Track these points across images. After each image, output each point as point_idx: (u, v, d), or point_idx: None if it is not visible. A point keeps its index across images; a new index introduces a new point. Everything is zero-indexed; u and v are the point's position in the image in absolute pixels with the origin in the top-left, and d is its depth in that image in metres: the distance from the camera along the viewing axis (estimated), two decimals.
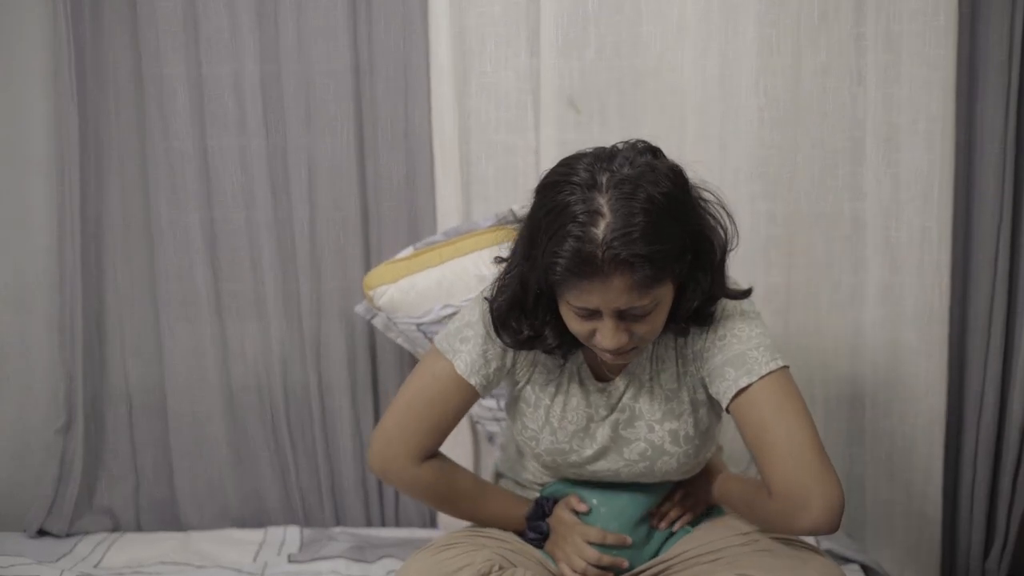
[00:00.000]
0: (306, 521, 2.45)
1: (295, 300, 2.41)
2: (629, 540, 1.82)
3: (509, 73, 2.32)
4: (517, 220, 1.97)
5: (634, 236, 1.51)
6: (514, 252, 1.70)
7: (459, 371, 1.76)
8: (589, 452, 1.79)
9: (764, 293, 2.27)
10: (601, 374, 1.80)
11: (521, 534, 1.88)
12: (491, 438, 2.35)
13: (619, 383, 1.78)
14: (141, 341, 2.44)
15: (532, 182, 2.31)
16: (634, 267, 1.52)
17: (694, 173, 1.64)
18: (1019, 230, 2.30)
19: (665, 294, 1.60)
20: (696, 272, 1.63)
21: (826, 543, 2.16)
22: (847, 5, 2.25)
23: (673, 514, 1.87)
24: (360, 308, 2.32)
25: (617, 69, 2.28)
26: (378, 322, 2.29)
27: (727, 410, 1.69)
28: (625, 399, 1.78)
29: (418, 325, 2.19)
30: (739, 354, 1.68)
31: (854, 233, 2.31)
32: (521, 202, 2.27)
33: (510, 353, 1.77)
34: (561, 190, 1.57)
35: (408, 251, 2.26)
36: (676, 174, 1.60)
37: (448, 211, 2.34)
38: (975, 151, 2.30)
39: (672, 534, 1.85)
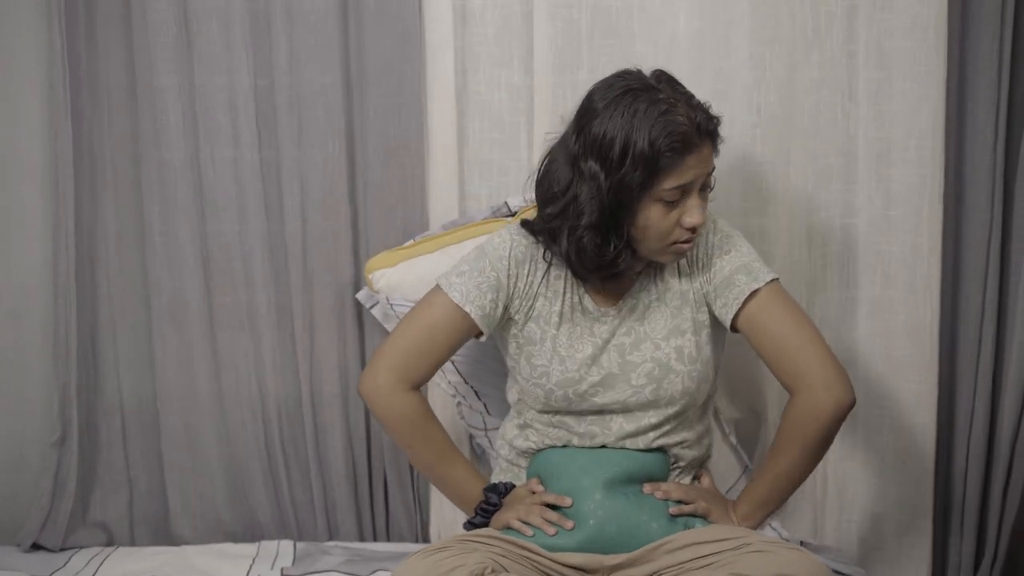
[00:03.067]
0: (299, 535, 2.45)
1: (287, 313, 2.41)
2: (568, 501, 1.88)
3: (502, 93, 2.33)
4: (511, 212, 2.17)
5: (705, 111, 1.80)
6: (570, 189, 1.82)
7: (455, 300, 1.91)
8: (597, 378, 1.90)
9: None
10: (604, 300, 1.94)
11: (472, 521, 1.96)
12: (481, 454, 2.37)
13: (623, 305, 1.93)
14: (134, 354, 2.43)
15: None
16: (712, 135, 1.80)
17: None
18: (1008, 245, 2.32)
19: None
20: None
21: (816, 557, 2.16)
22: (839, 22, 2.26)
23: (673, 494, 1.90)
24: (361, 295, 2.34)
25: None
26: (377, 311, 2.31)
27: (734, 325, 1.90)
28: (630, 322, 1.91)
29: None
30: (744, 264, 1.91)
31: (845, 249, 2.33)
32: (515, 196, 2.30)
33: (506, 285, 1.92)
34: (633, 98, 1.77)
35: (409, 242, 2.30)
36: None
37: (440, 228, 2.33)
38: (965, 167, 2.32)
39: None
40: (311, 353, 2.41)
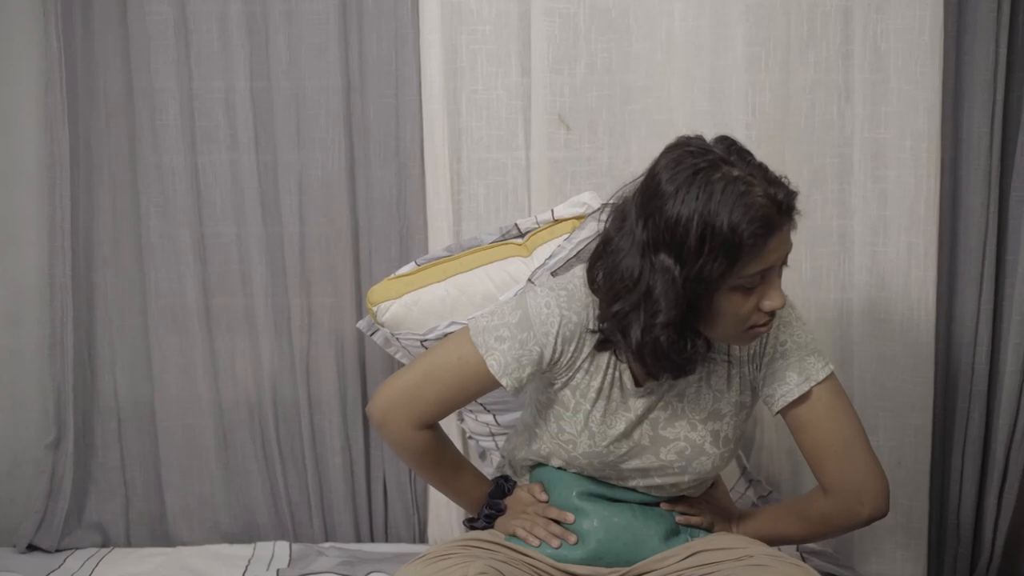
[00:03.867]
0: (295, 537, 2.45)
1: (285, 316, 2.41)
2: (571, 518, 1.85)
3: (500, 91, 2.33)
4: (521, 233, 2.07)
5: (784, 184, 1.65)
6: (638, 282, 1.66)
7: (491, 369, 1.77)
8: (625, 450, 1.82)
9: None
10: (643, 377, 1.80)
11: (474, 524, 1.93)
12: (483, 454, 2.36)
13: (664, 382, 1.79)
14: (131, 356, 2.44)
15: (522, 199, 2.36)
16: (791, 213, 1.65)
17: None
18: (1004, 246, 2.32)
19: None
20: None
21: (813, 560, 2.17)
22: (835, 23, 2.27)
23: (679, 506, 1.89)
24: (362, 324, 2.27)
25: (607, 86, 2.30)
26: (378, 338, 2.24)
27: (780, 414, 1.79)
28: (669, 397, 1.81)
29: (422, 341, 2.14)
30: (799, 360, 1.78)
31: (841, 249, 2.33)
32: (513, 217, 2.30)
33: (546, 357, 1.77)
34: (705, 178, 1.60)
35: (411, 266, 2.20)
36: None
37: (439, 228, 2.34)
38: (961, 168, 2.32)
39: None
40: (308, 355, 2.41)
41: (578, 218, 2.13)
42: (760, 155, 2.24)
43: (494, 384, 1.78)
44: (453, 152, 2.33)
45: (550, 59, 2.28)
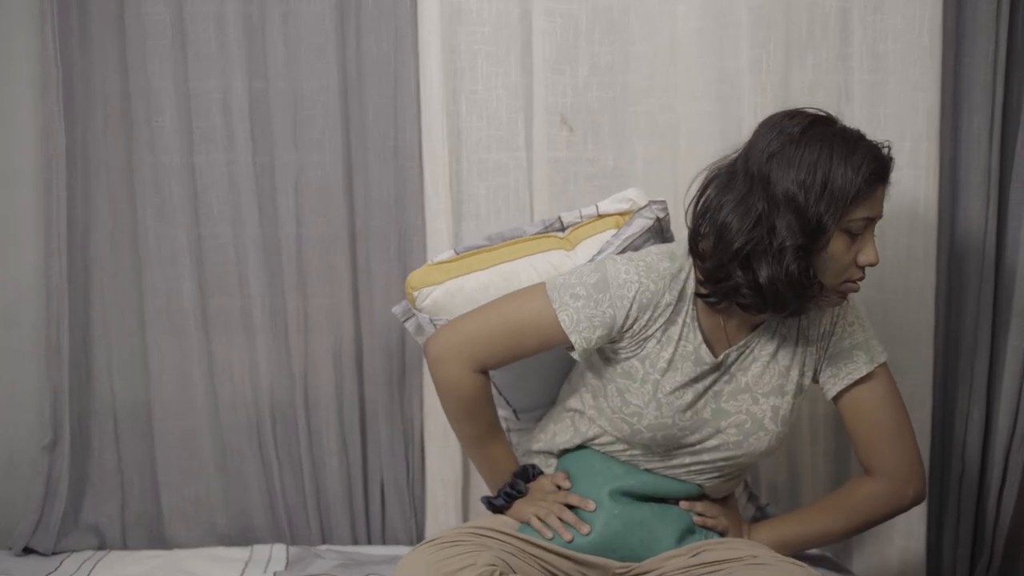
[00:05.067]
0: (292, 539, 2.44)
1: (282, 317, 2.40)
2: (592, 505, 1.87)
3: (500, 91, 2.32)
4: (563, 227, 2.10)
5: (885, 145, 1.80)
6: (759, 222, 1.75)
7: (563, 324, 1.83)
8: (689, 423, 1.87)
9: None
10: (717, 347, 1.88)
11: (492, 501, 1.96)
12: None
13: (735, 353, 1.88)
14: (127, 357, 2.43)
15: (523, 200, 2.35)
16: (889, 170, 1.80)
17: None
18: (1003, 248, 2.32)
19: None
20: None
21: (813, 562, 2.16)
22: (834, 25, 2.27)
23: (698, 506, 1.92)
24: (398, 309, 2.19)
25: (609, 87, 2.29)
26: (411, 324, 2.18)
27: (838, 395, 1.90)
28: (734, 369, 1.87)
29: None
30: (865, 341, 1.91)
31: None
32: (515, 218, 2.28)
33: (618, 324, 1.83)
34: (823, 125, 1.78)
35: (449, 253, 2.15)
36: None
37: (437, 229, 2.33)
38: (960, 169, 2.33)
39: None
40: (306, 357, 2.41)
41: (622, 214, 2.11)
42: None
43: (562, 339, 1.84)
44: (452, 152, 2.32)
45: (551, 59, 2.27)
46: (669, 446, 1.89)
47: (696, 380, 1.86)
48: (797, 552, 1.95)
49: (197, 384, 2.41)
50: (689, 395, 1.86)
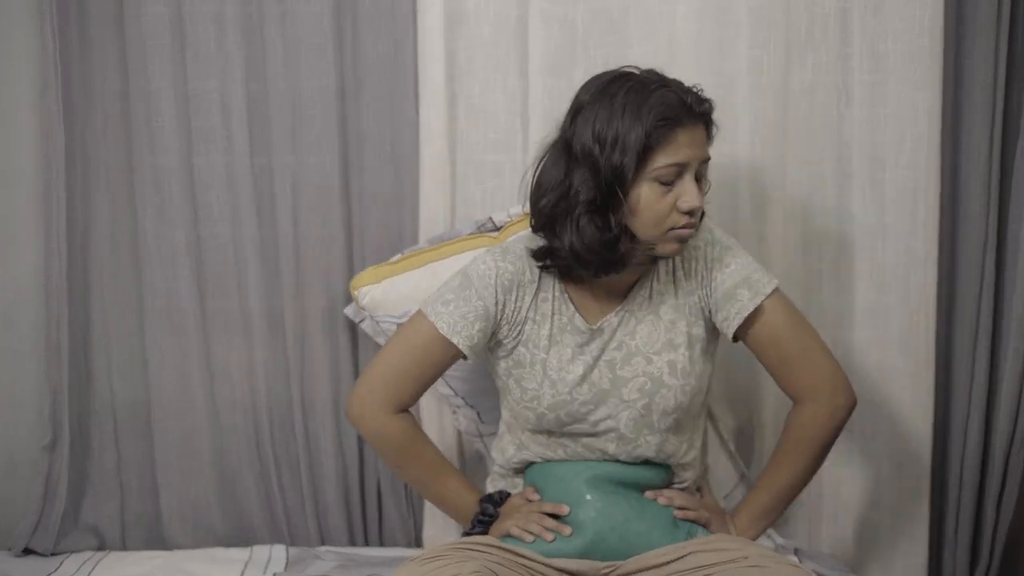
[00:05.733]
0: (291, 540, 2.43)
1: (279, 318, 2.40)
2: (566, 509, 1.88)
3: (498, 95, 2.31)
4: (496, 227, 2.17)
5: (697, 92, 1.79)
6: (565, 177, 1.81)
7: (442, 331, 1.89)
8: (589, 396, 1.88)
9: None
10: (593, 317, 1.90)
11: (468, 533, 1.96)
12: (480, 458, 2.36)
13: (614, 319, 1.90)
14: (127, 358, 2.42)
15: (520, 203, 2.33)
16: (707, 117, 1.79)
17: None
18: (1004, 250, 2.31)
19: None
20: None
21: (811, 564, 2.16)
22: (833, 25, 2.25)
23: (676, 500, 1.91)
24: (349, 310, 2.33)
25: None
26: (366, 326, 2.31)
27: (739, 333, 1.89)
28: (621, 336, 1.88)
29: (398, 324, 2.20)
30: (746, 277, 1.89)
31: (840, 254, 2.31)
32: (502, 212, 2.29)
33: (493, 313, 1.89)
34: (627, 77, 1.80)
35: (397, 256, 2.28)
36: None
37: (434, 231, 2.33)
38: (960, 171, 2.31)
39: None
40: (303, 358, 2.40)
41: None
42: (762, 159, 2.27)
43: (449, 348, 1.90)
44: (450, 155, 2.31)
45: (549, 64, 2.26)
46: (581, 429, 1.90)
47: (581, 350, 1.89)
48: (783, 512, 2.01)
49: (196, 385, 2.41)
50: (579, 367, 1.88)
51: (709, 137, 1.81)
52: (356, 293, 2.26)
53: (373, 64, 2.33)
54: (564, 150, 1.81)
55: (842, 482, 2.37)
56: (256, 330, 2.40)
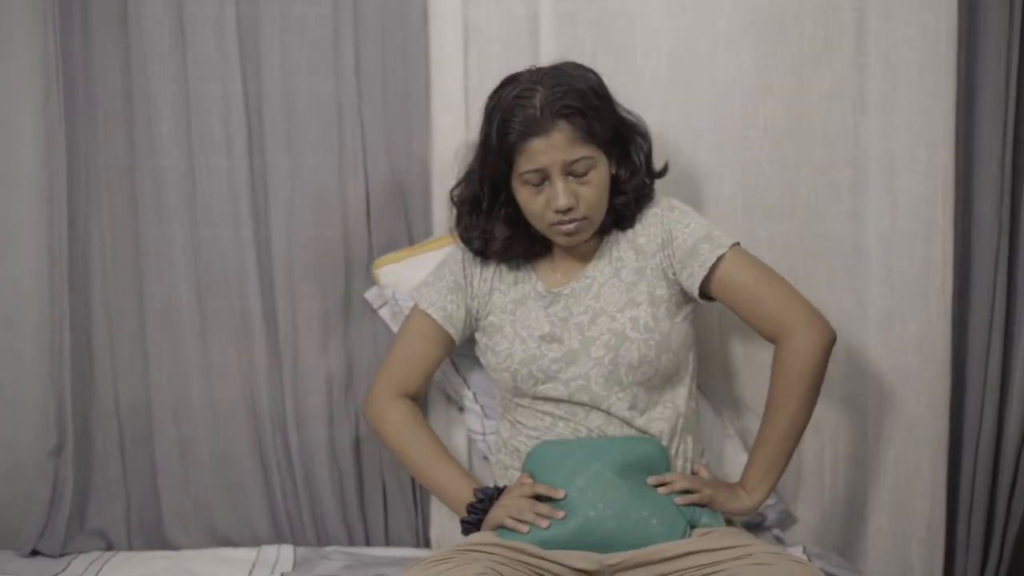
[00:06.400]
0: (295, 541, 2.43)
1: (280, 320, 2.38)
2: (561, 493, 1.89)
3: None
4: None
5: (564, 95, 1.87)
6: (472, 164, 2.02)
7: (424, 308, 2.07)
8: (559, 354, 1.98)
9: None
10: (557, 284, 2.04)
11: (464, 521, 2.01)
12: (485, 457, 2.35)
13: (577, 285, 2.02)
14: (129, 361, 2.41)
15: None
16: (569, 118, 1.87)
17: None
18: (1017, 255, 2.32)
19: (600, 160, 1.93)
20: (626, 152, 1.99)
21: (819, 563, 2.16)
22: (848, 33, 2.26)
23: (677, 484, 1.92)
24: (370, 295, 2.35)
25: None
26: (385, 312, 2.33)
27: (705, 292, 1.97)
28: (586, 300, 2.01)
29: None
30: (706, 234, 1.97)
31: (855, 260, 2.32)
32: None
33: (464, 284, 2.07)
34: (504, 86, 1.94)
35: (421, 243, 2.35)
36: (598, 75, 1.97)
37: (436, 234, 2.35)
38: (973, 177, 2.32)
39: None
40: (303, 360, 2.39)
41: None
42: (772, 166, 2.27)
43: (434, 327, 2.08)
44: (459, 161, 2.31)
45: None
46: (556, 392, 1.98)
47: (546, 312, 2.01)
48: (786, 467, 2.01)
49: (196, 388, 2.40)
50: (545, 324, 2.00)
51: (582, 134, 1.88)
52: (378, 272, 2.31)
53: (379, 71, 2.33)
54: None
55: (855, 484, 2.38)
56: (256, 332, 2.38)
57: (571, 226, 1.92)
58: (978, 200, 2.31)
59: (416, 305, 2.10)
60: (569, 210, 1.90)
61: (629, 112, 2.03)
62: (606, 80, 1.99)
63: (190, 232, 2.36)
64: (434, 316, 2.06)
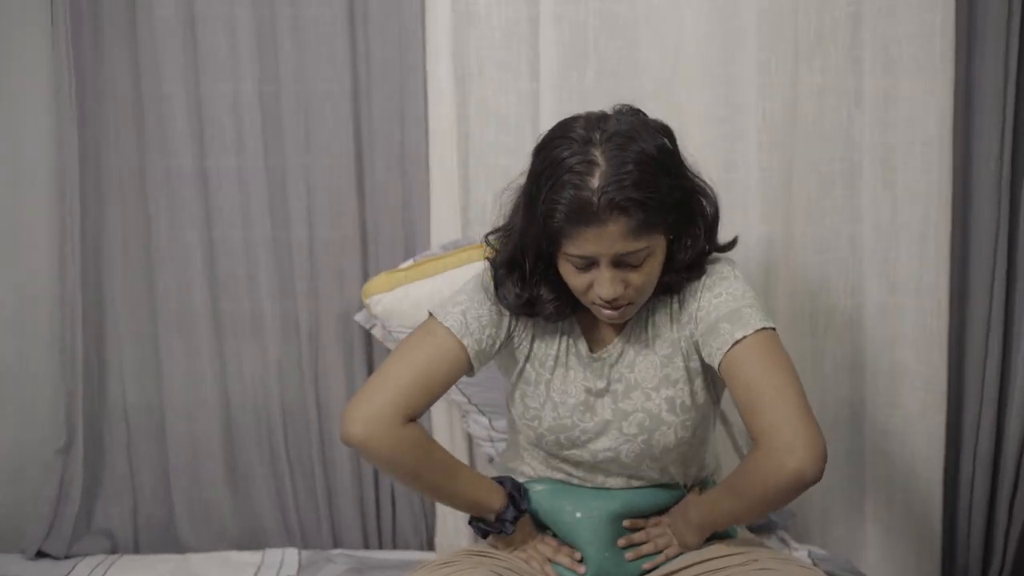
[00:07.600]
0: (304, 543, 2.44)
1: (293, 321, 2.40)
2: (582, 570, 1.84)
3: (509, 97, 2.32)
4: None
5: (627, 183, 1.60)
6: (513, 216, 1.78)
7: (453, 331, 1.78)
8: (591, 424, 1.82)
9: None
10: (597, 344, 1.84)
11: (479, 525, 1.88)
12: (491, 459, 2.35)
13: (614, 351, 1.82)
14: (140, 361, 2.43)
15: None
16: (628, 212, 1.61)
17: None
18: (1015, 251, 2.31)
19: (658, 244, 1.69)
20: (688, 226, 1.74)
21: (824, 567, 2.15)
22: (844, 28, 2.27)
23: (646, 548, 1.86)
24: (360, 317, 2.33)
25: (616, 93, 2.27)
26: (377, 331, 2.31)
27: (719, 369, 1.72)
28: (621, 368, 1.82)
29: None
30: (734, 310, 1.73)
31: (852, 255, 2.32)
32: None
33: (505, 322, 1.83)
34: (558, 146, 1.66)
35: (409, 262, 2.28)
36: (666, 131, 1.73)
37: (445, 234, 2.33)
38: (971, 173, 2.31)
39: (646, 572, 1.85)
40: (316, 360, 2.41)
41: None
42: (770, 160, 2.27)
43: (461, 352, 1.78)
44: (461, 158, 2.32)
45: (559, 65, 2.26)
46: (583, 457, 1.84)
47: (585, 376, 1.82)
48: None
49: (208, 387, 2.42)
50: (581, 392, 1.82)
51: (642, 227, 1.63)
52: (368, 301, 2.26)
53: (384, 66, 2.33)
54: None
55: (853, 482, 2.37)
56: (269, 332, 2.40)
57: (614, 312, 1.72)
58: (976, 196, 2.31)
59: (439, 325, 1.79)
60: (615, 299, 1.70)
61: (697, 175, 1.78)
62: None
63: (203, 232, 2.38)
64: (467, 346, 1.78)
